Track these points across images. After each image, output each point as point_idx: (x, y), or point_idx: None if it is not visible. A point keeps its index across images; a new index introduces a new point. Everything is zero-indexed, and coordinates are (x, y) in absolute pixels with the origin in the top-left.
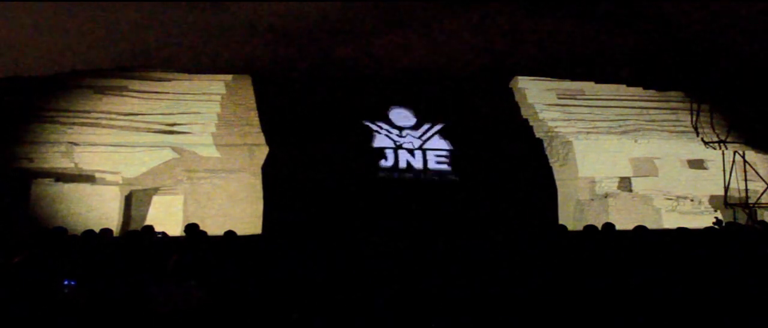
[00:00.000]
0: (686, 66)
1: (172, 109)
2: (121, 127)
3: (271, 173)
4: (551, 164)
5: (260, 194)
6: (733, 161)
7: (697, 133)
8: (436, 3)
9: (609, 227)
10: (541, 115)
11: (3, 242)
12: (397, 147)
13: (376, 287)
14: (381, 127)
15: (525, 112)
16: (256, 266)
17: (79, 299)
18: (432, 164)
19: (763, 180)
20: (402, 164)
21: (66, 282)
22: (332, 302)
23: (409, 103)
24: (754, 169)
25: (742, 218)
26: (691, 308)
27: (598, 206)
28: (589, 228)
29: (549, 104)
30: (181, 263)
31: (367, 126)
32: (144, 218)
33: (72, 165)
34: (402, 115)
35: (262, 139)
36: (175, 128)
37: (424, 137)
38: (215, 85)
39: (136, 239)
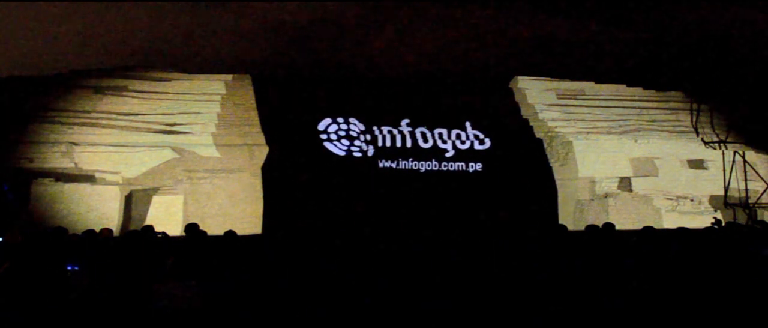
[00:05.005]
0: (686, 66)
1: (172, 109)
2: (121, 127)
3: (271, 173)
4: (551, 164)
5: (260, 194)
6: (733, 161)
7: (697, 133)
8: (436, 3)
9: (609, 227)
10: (541, 115)
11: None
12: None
13: (375, 287)
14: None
15: (525, 112)
16: (256, 266)
17: (82, 284)
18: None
19: (763, 180)
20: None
21: (70, 267)
22: (332, 302)
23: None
24: (754, 169)
25: (742, 218)
26: (691, 308)
27: (598, 206)
28: (591, 228)
29: (549, 104)
30: (179, 264)
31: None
32: (144, 218)
33: (72, 165)
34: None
35: (262, 139)
36: (175, 128)
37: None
38: (215, 85)
39: (136, 239)
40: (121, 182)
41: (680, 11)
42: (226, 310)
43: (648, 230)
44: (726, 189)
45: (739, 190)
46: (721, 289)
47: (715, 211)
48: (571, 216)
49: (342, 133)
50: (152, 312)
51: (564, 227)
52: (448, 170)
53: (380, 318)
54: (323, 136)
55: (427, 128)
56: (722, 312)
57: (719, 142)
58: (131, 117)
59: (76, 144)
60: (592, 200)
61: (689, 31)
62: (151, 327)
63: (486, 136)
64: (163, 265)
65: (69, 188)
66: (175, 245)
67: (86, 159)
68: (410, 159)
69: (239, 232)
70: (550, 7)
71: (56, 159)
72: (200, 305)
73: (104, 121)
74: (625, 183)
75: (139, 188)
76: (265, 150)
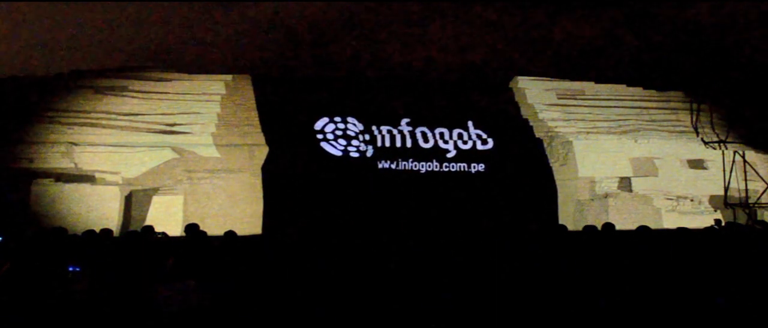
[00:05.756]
0: (686, 66)
1: (172, 109)
2: (121, 127)
3: (271, 173)
4: (551, 164)
5: (260, 194)
6: (733, 161)
7: (697, 133)
8: (437, 3)
9: (609, 227)
10: (541, 115)
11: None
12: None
13: (375, 287)
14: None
15: (525, 112)
16: (256, 266)
17: (82, 286)
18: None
19: (763, 180)
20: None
21: (71, 268)
22: (332, 302)
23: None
24: (754, 169)
25: (742, 218)
26: (691, 308)
27: (598, 206)
28: (589, 228)
29: (549, 104)
30: (179, 264)
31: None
32: (144, 218)
33: (72, 165)
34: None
35: (262, 139)
36: (175, 128)
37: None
38: (215, 85)
39: (136, 239)
40: (121, 182)
41: (680, 11)
42: (226, 310)
43: (643, 229)
44: (726, 189)
45: (739, 190)
46: (721, 289)
47: (715, 211)
48: (571, 216)
49: (339, 132)
50: (152, 312)
51: (564, 227)
52: (449, 170)
53: (380, 319)
54: (320, 136)
55: (428, 128)
56: (722, 312)
57: (719, 142)
58: (131, 117)
59: (76, 144)
60: (592, 200)
61: (689, 31)
62: (151, 327)
63: (489, 136)
64: (163, 265)
65: (69, 188)
66: (175, 245)
67: (86, 159)
68: (410, 159)
69: (239, 232)
70: (550, 7)
71: (56, 159)
72: (200, 305)
73: (104, 121)
74: (625, 183)
75: (139, 188)
76: (265, 150)
